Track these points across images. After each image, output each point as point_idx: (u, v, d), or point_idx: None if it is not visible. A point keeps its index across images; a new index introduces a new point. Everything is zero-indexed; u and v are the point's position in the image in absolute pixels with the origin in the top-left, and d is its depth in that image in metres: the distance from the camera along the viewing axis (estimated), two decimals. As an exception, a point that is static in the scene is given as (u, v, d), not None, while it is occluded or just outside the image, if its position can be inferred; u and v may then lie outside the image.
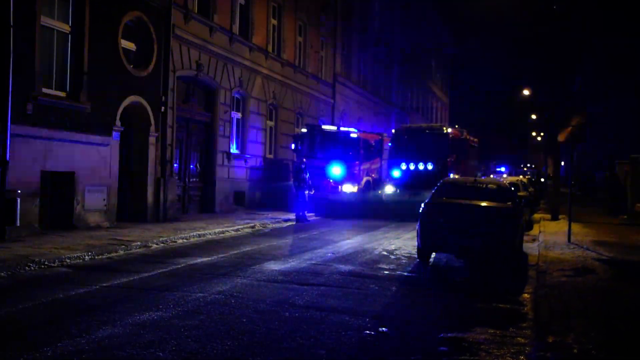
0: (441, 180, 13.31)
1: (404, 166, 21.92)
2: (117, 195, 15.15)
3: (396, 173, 22.10)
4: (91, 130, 14.05)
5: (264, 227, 16.99)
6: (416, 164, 21.78)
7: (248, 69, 21.89)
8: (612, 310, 7.53)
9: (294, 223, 18.58)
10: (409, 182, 21.27)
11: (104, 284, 8.42)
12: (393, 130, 23.50)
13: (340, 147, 21.50)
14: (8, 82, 11.53)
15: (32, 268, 9.35)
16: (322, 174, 20.77)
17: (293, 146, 22.37)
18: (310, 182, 19.28)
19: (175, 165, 17.92)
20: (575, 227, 16.63)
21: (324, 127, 22.78)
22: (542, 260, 11.45)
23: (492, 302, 8.13)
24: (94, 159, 14.18)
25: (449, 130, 22.94)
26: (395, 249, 13.04)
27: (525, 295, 8.75)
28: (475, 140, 28.16)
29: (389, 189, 21.85)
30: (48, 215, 13.24)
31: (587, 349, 5.80)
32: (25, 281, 8.58)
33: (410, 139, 22.53)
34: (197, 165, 19.70)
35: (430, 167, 21.64)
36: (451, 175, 20.74)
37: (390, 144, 23.09)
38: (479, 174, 32.59)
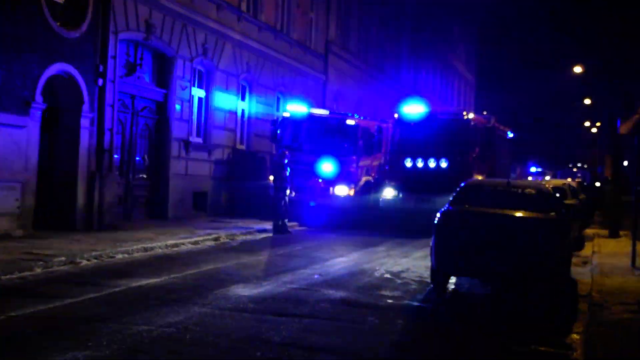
0: (463, 183, 13.23)
1: (409, 163, 21.21)
2: (36, 195, 14.96)
3: (399, 172, 21.53)
4: (0, 107, 13.83)
5: (231, 239, 16.90)
6: (425, 161, 21.06)
7: (215, 33, 21.78)
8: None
9: (270, 235, 18.55)
10: (415, 185, 20.61)
11: (13, 313, 8.22)
12: (395, 115, 22.54)
13: (332, 137, 21.48)
14: None
15: None
16: (309, 172, 20.68)
17: (272, 135, 22.25)
18: (290, 181, 19.17)
19: (115, 156, 17.76)
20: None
21: (313, 111, 22.72)
22: (596, 289, 11.38)
23: (529, 345, 8.03)
24: (3, 145, 13.97)
25: (471, 116, 22.24)
26: (402, 271, 12.99)
27: (575, 335, 8.65)
28: (508, 130, 28.01)
29: (388, 193, 21.12)
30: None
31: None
32: None
33: (419, 127, 21.75)
34: (145, 157, 19.56)
35: (444, 164, 20.88)
36: (474, 177, 20.28)
37: (391, 134, 22.73)
38: (513, 176, 32.66)
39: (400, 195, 20.82)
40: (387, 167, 22.60)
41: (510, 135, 28.41)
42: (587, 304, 10.39)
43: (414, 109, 22.32)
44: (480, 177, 20.23)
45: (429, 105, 25.24)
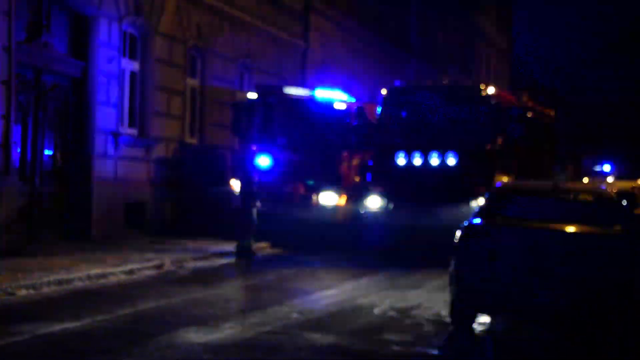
0: (497, 185, 13.29)
1: (402, 159, 20.15)
2: None
3: (387, 172, 20.51)
4: None
5: (179, 266, 16.95)
6: (426, 156, 19.94)
7: (152, -17, 21.75)
8: None
9: (234, 260, 18.60)
10: (411, 190, 19.82)
11: None
12: (384, 92, 21.64)
13: (316, 126, 21.50)
14: None
15: None
16: (284, 175, 20.61)
17: (233, 124, 22.18)
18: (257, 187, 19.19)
19: (14, 154, 17.55)
20: None
21: (288, 90, 22.64)
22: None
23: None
24: None
25: (492, 90, 21.15)
26: (412, 307, 13.01)
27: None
28: (550, 113, 27.85)
29: (373, 203, 20.37)
30: None
31: None
32: None
33: (416, 107, 21.07)
34: (57, 155, 19.44)
35: (451, 161, 19.77)
36: (497, 178, 19.75)
37: (377, 117, 21.80)
38: (561, 176, 32.61)
39: (390, 205, 20.05)
40: (370, 165, 21.55)
41: (552, 118, 27.89)
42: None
43: (411, 85, 22.52)
44: (505, 179, 19.68)
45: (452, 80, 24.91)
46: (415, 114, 21.04)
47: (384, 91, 21.57)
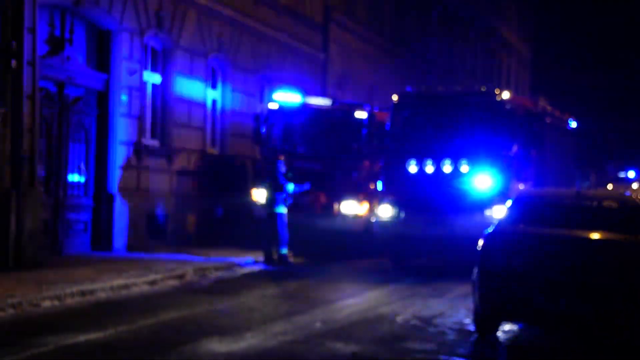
0: (520, 193, 13.25)
1: (413, 167, 19.24)
2: None
3: (399, 180, 19.74)
4: None
5: (202, 276, 16.98)
6: (438, 163, 19.02)
7: (173, -3, 21.85)
8: None
9: (256, 269, 18.63)
10: (424, 199, 19.13)
11: None
12: (394, 98, 20.76)
13: (337, 135, 21.42)
14: None
15: None
16: (304, 183, 20.60)
17: (254, 134, 22.17)
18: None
19: (39, 166, 17.61)
20: None
21: (309, 100, 22.64)
22: None
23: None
24: None
25: (507, 95, 20.13)
26: (435, 316, 12.99)
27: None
28: (569, 119, 27.21)
29: (384, 212, 19.62)
30: None
31: None
32: None
33: (428, 112, 20.40)
34: (82, 167, 19.51)
35: (465, 168, 18.90)
36: (515, 186, 19.23)
37: (388, 124, 20.95)
38: (585, 183, 32.36)
39: (402, 214, 19.35)
40: (382, 173, 20.71)
41: (574, 125, 27.13)
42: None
43: (423, 90, 21.55)
44: (521, 186, 19.18)
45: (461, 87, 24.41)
46: (427, 120, 20.31)
47: (395, 97, 20.79)
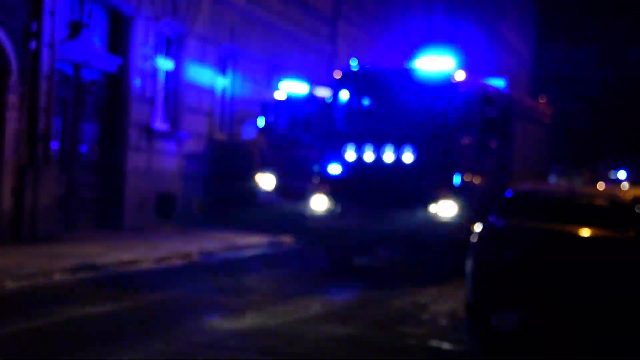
0: (510, 189, 13.24)
1: (351, 154, 16.14)
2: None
3: (334, 168, 16.46)
4: None
5: (208, 256, 16.99)
6: (378, 150, 15.95)
7: (188, -15, 21.86)
8: None
9: (260, 252, 18.67)
10: (361, 190, 16.05)
11: None
12: (336, 75, 17.84)
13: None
14: None
15: None
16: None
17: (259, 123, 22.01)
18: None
19: (54, 145, 17.70)
20: None
21: (316, 91, 22.20)
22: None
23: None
24: None
25: (461, 76, 16.60)
26: (430, 302, 13.02)
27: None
28: (545, 109, 24.69)
29: (318, 202, 16.34)
30: None
31: None
32: None
33: (371, 93, 17.46)
34: (95, 147, 19.61)
35: (408, 157, 15.81)
36: (466, 178, 16.35)
37: (326, 104, 18.22)
38: (577, 180, 32.08)
39: (337, 205, 16.17)
40: (317, 159, 17.37)
41: (549, 114, 24.23)
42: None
43: (364, 68, 17.69)
44: (478, 180, 16.76)
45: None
46: (370, 100, 17.68)
47: (337, 74, 17.96)
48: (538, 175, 21.97)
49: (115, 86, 19.96)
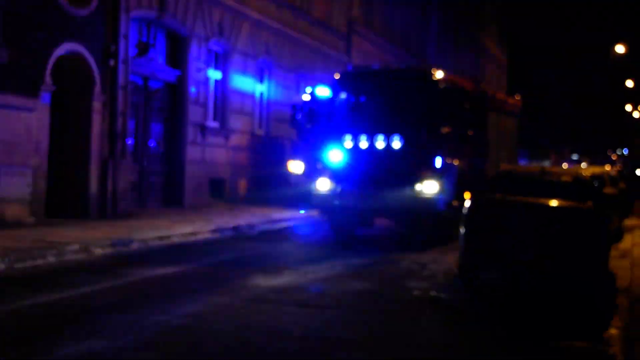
0: (499, 170, 13.22)
1: (348, 142, 15.75)
2: (48, 181, 15.16)
3: (335, 155, 15.98)
4: (9, 89, 14.05)
5: (251, 228, 17.01)
6: (371, 139, 15.54)
7: (231, 12, 21.84)
8: None
9: (291, 224, 18.65)
10: (357, 173, 15.60)
11: (27, 302, 8.41)
12: (336, 76, 17.17)
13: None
14: None
15: None
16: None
17: (291, 119, 21.96)
18: None
19: (129, 141, 17.92)
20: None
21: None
22: (636, 284, 11.36)
23: (565, 340, 8.09)
24: (13, 128, 14.18)
25: (440, 74, 16.07)
26: (429, 263, 13.02)
27: (613, 331, 8.67)
28: (515, 103, 24.17)
29: (322, 184, 15.90)
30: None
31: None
32: None
33: (364, 90, 16.80)
34: (160, 142, 19.75)
35: (396, 144, 15.35)
36: (447, 162, 15.84)
37: (325, 101, 17.77)
38: (546, 162, 31.79)
39: (337, 187, 15.70)
40: (321, 148, 16.91)
41: (517, 107, 23.79)
42: (626, 298, 10.39)
43: (358, 69, 17.45)
44: (456, 163, 16.27)
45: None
46: (363, 97, 16.89)
47: (336, 75, 17.33)
48: (509, 158, 21.44)
49: (175, 93, 20.07)
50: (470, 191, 15.58)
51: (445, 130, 15.69)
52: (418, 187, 14.76)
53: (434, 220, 14.97)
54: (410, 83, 16.09)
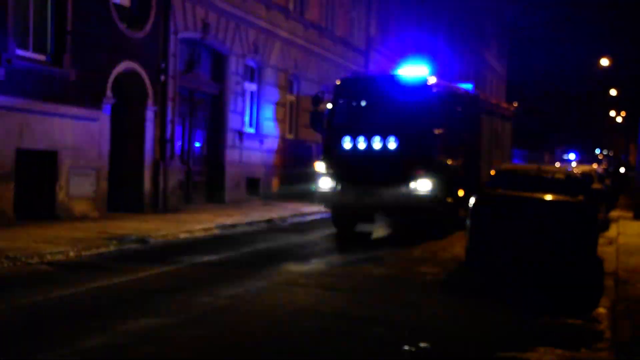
0: (500, 167, 13.15)
1: (348, 143, 14.75)
2: (108, 180, 15.31)
3: (336, 155, 15.06)
4: (77, 102, 14.18)
5: (283, 221, 17.04)
6: (369, 140, 14.54)
7: (265, 32, 21.90)
8: None
9: (319, 217, 18.55)
10: (356, 172, 14.65)
11: (93, 285, 8.51)
12: (337, 82, 16.36)
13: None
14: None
15: (6, 265, 9.48)
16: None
17: (311, 123, 21.87)
18: None
19: (177, 145, 18.04)
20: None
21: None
22: (622, 268, 11.27)
23: (558, 317, 8.05)
24: (80, 136, 14.32)
25: (433, 80, 15.24)
26: (438, 251, 13.03)
27: (601, 309, 8.63)
28: (509, 107, 23.44)
29: (324, 183, 14.97)
30: (25, 203, 13.43)
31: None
32: (-2, 280, 8.71)
33: (363, 95, 15.73)
34: (204, 146, 19.83)
35: (392, 144, 14.35)
36: (441, 161, 15.06)
37: (329, 106, 16.29)
38: (540, 162, 31.52)
39: (338, 186, 14.80)
40: (323, 149, 16.17)
41: (511, 112, 22.63)
42: (612, 280, 10.33)
43: (358, 75, 15.76)
44: (450, 163, 15.44)
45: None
46: (362, 100, 15.76)
47: (338, 82, 16.44)
48: (503, 158, 20.43)
49: (217, 103, 20.12)
50: (464, 189, 15.40)
51: (438, 131, 14.74)
52: (413, 185, 14.02)
53: (430, 215, 14.43)
54: (405, 88, 15.12)
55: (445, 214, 14.48)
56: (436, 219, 14.49)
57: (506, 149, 21.58)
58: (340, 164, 14.76)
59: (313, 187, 16.08)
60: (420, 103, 14.63)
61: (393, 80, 15.63)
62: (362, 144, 14.51)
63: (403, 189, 13.95)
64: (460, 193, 15.22)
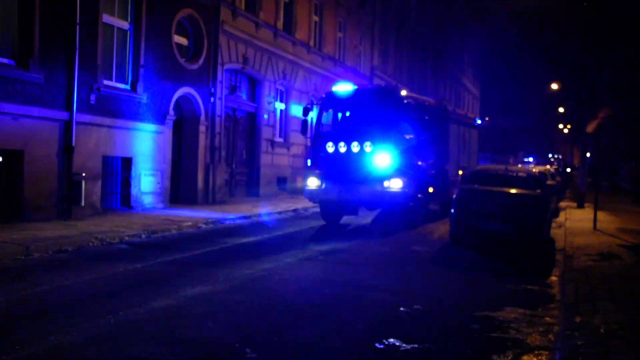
0: (475, 168, 13.09)
1: (331, 147, 13.65)
2: (170, 180, 15.41)
3: (321, 157, 13.92)
4: (147, 119, 14.31)
5: (305, 210, 16.99)
6: (349, 144, 13.42)
7: (291, 63, 21.89)
8: (637, 293, 7.33)
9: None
10: (338, 172, 13.46)
11: (159, 260, 8.60)
12: (323, 95, 15.54)
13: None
14: (74, 74, 11.87)
15: (95, 244, 9.62)
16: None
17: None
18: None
19: (222, 152, 18.05)
20: (601, 215, 16.20)
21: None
22: (568, 245, 11.20)
23: (521, 284, 8.02)
24: (149, 145, 14.43)
25: (404, 92, 14.18)
26: (426, 234, 12.97)
27: (553, 277, 8.60)
28: (473, 117, 22.24)
29: (312, 182, 13.78)
30: (108, 197, 13.63)
31: (613, 329, 5.66)
32: (89, 256, 8.82)
33: (344, 105, 14.73)
34: (243, 152, 19.80)
35: (368, 148, 13.24)
36: (412, 163, 13.81)
37: (315, 114, 15.30)
38: (506, 164, 31.23)
39: (323, 184, 13.60)
40: (310, 152, 14.91)
41: (474, 122, 21.21)
42: (562, 255, 10.28)
43: (341, 88, 14.77)
44: (419, 164, 14.14)
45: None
46: (343, 111, 14.86)
47: (323, 95, 15.68)
48: (469, 161, 19.16)
49: (253, 119, 20.08)
50: (433, 186, 14.73)
51: (409, 137, 13.79)
52: (387, 183, 12.94)
53: (400, 209, 13.38)
54: (380, 99, 14.08)
55: (416, 207, 13.74)
56: (410, 212, 13.55)
57: (473, 154, 20.75)
58: (325, 165, 13.67)
59: (301, 184, 14.97)
60: (392, 112, 13.61)
61: (369, 93, 14.77)
62: (343, 148, 13.42)
63: (379, 187, 12.95)
64: (430, 190, 14.60)
